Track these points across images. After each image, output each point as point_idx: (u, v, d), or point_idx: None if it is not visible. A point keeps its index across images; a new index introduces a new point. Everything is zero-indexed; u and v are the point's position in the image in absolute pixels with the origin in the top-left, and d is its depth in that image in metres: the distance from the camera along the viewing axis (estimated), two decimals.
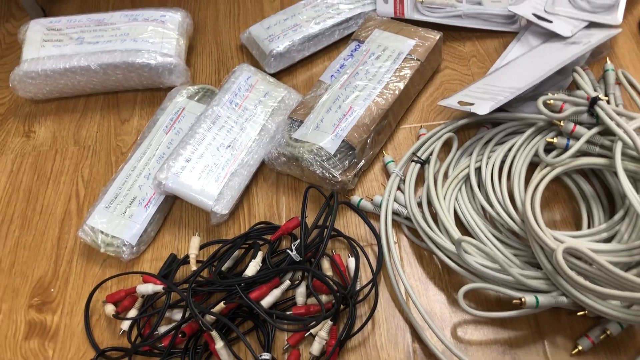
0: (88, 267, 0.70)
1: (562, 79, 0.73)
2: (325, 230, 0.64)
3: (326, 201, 0.66)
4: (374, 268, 0.64)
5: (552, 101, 0.64)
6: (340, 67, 0.77)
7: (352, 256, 0.65)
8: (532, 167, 0.66)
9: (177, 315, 0.64)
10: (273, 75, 0.82)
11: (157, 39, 0.82)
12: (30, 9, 0.94)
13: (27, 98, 0.86)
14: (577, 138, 0.63)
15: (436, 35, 0.78)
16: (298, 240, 0.64)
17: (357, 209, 0.69)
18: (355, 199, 0.70)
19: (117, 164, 0.79)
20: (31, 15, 0.94)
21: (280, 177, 0.75)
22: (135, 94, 0.86)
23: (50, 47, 0.82)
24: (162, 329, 0.62)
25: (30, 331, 0.66)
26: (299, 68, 0.85)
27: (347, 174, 0.69)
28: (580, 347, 0.57)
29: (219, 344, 0.58)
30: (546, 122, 0.67)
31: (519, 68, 0.73)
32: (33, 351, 0.64)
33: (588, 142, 0.63)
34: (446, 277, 0.64)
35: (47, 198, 0.77)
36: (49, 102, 0.87)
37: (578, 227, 0.65)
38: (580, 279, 0.54)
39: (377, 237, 0.66)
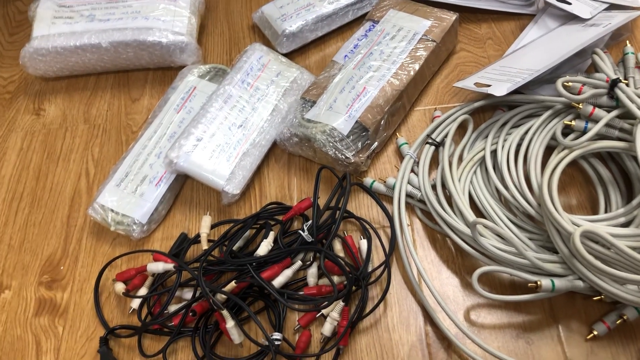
0: (98, 245, 0.70)
1: (580, 61, 0.71)
2: (338, 211, 0.63)
3: (339, 182, 0.65)
4: (387, 250, 0.63)
5: (570, 83, 0.63)
6: (354, 47, 0.76)
7: (364, 238, 0.64)
8: (549, 151, 0.65)
9: (188, 294, 0.63)
10: (285, 55, 0.81)
11: (169, 17, 0.81)
12: None
13: (38, 76, 0.85)
14: (596, 121, 0.62)
15: (452, 16, 0.76)
16: (310, 221, 0.63)
17: (370, 191, 0.68)
18: (368, 180, 0.69)
19: (127, 143, 0.78)
20: None
21: (292, 158, 0.74)
22: (146, 73, 0.85)
23: (61, 24, 0.81)
24: (173, 308, 0.61)
25: (40, 308, 0.66)
26: (311, 48, 0.84)
27: (360, 155, 0.68)
28: (595, 332, 0.57)
29: (230, 323, 0.58)
30: (564, 104, 0.66)
31: (537, 50, 0.71)
32: (43, 327, 0.64)
33: (607, 125, 0.62)
34: (459, 260, 0.63)
35: (56, 176, 0.76)
36: (59, 80, 0.86)
37: (595, 212, 0.64)
38: (598, 263, 0.53)
39: (390, 219, 0.66)
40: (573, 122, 0.63)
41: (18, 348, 0.63)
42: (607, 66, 0.65)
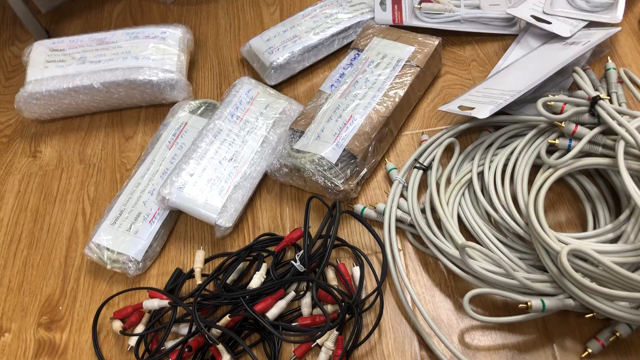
0: (95, 284, 0.70)
1: (562, 79, 0.72)
2: (329, 239, 0.64)
3: (329, 211, 0.66)
4: (379, 276, 0.64)
5: (552, 102, 0.64)
6: (340, 77, 0.77)
7: (356, 265, 0.65)
8: (535, 169, 0.65)
9: (184, 329, 0.64)
10: (274, 87, 0.83)
11: (159, 55, 0.83)
12: (34, 31, 0.96)
13: (33, 119, 0.87)
14: (579, 139, 0.62)
15: (435, 41, 0.78)
16: (302, 251, 0.64)
17: (361, 218, 0.69)
18: (358, 207, 0.70)
19: (122, 180, 0.79)
20: (35, 37, 0.95)
21: (284, 188, 0.75)
22: (139, 111, 0.87)
23: (54, 68, 0.83)
24: (170, 344, 0.62)
25: (40, 350, 0.66)
26: (299, 79, 0.86)
27: (350, 182, 0.69)
28: (589, 350, 0.57)
29: (226, 358, 0.58)
30: (548, 123, 0.66)
31: (519, 70, 0.72)
32: None
33: (590, 142, 0.62)
34: (452, 283, 0.64)
35: (54, 217, 0.77)
36: (54, 121, 0.88)
37: (584, 228, 0.65)
38: (586, 281, 0.53)
39: (382, 245, 0.66)
40: (557, 141, 0.64)
41: None
42: (587, 84, 0.66)
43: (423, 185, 0.70)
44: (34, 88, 0.81)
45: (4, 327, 0.69)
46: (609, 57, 0.72)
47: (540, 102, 0.63)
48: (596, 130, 0.62)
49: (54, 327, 0.68)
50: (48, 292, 0.71)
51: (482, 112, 0.66)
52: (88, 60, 0.83)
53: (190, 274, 0.67)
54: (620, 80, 0.71)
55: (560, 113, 0.64)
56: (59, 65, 0.83)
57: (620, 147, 0.59)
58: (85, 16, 1.02)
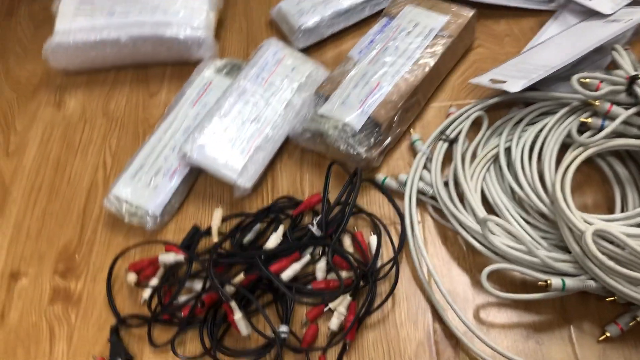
0: (112, 236, 0.71)
1: (600, 57, 0.70)
2: (347, 206, 0.63)
3: (350, 178, 0.65)
4: (396, 246, 0.63)
5: (588, 80, 0.62)
6: (370, 43, 0.76)
7: (374, 234, 0.64)
8: (564, 149, 0.63)
9: (198, 285, 0.64)
10: (302, 50, 0.81)
11: (187, 12, 0.82)
12: None
13: (59, 69, 0.87)
14: (613, 118, 0.60)
15: (470, 12, 0.75)
16: (320, 216, 0.63)
17: (381, 187, 0.68)
18: (379, 177, 0.69)
19: (144, 136, 0.79)
20: None
21: (305, 153, 0.74)
22: (164, 68, 0.86)
23: (82, 19, 0.82)
24: (183, 299, 0.62)
25: (55, 296, 0.67)
26: (328, 44, 0.84)
27: (372, 151, 0.68)
28: (608, 334, 0.55)
29: (238, 315, 0.58)
30: (581, 102, 0.64)
31: (555, 46, 0.70)
32: (57, 315, 0.66)
33: (625, 122, 0.60)
34: (470, 258, 0.63)
35: (75, 168, 0.77)
36: (80, 74, 0.88)
37: (611, 211, 0.63)
38: (611, 263, 0.52)
39: (401, 215, 0.65)
40: (589, 120, 0.62)
41: (32, 335, 0.65)
42: (627, 62, 0.64)
43: (447, 158, 0.69)
44: (61, 38, 0.81)
45: (22, 272, 0.69)
46: None
47: (575, 77, 0.61)
48: (632, 110, 0.59)
49: (70, 276, 0.68)
50: (65, 241, 0.71)
51: (514, 86, 0.64)
52: (117, 12, 0.82)
53: (207, 232, 0.67)
54: None
55: (596, 91, 0.62)
56: (88, 17, 0.82)
57: None
58: None
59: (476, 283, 0.61)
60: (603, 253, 0.53)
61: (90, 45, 0.81)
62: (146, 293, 0.64)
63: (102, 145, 0.79)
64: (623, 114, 0.59)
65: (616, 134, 0.61)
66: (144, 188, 0.70)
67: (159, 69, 0.86)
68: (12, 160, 0.80)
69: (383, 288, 0.62)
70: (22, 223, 0.73)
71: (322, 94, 0.72)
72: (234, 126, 0.71)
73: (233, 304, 0.58)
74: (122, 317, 0.63)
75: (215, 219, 0.67)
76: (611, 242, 0.54)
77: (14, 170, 0.79)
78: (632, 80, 0.60)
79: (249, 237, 0.65)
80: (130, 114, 0.82)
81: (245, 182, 0.68)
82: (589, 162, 0.65)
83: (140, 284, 0.64)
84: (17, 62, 0.92)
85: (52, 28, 0.84)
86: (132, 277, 0.65)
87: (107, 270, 0.67)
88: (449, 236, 0.65)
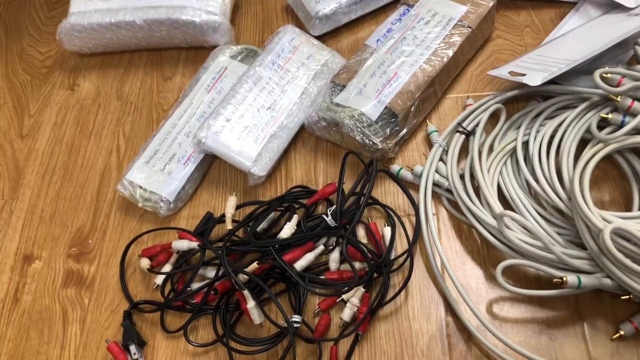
0: (125, 221, 0.71)
1: (622, 52, 0.69)
2: (362, 197, 0.63)
3: (365, 168, 0.65)
4: (410, 238, 0.63)
5: (609, 75, 0.61)
6: (387, 32, 0.75)
7: (388, 225, 0.64)
8: (583, 145, 0.63)
9: (211, 273, 0.64)
10: (318, 38, 0.80)
11: None
12: None
13: (73, 51, 0.86)
14: (635, 115, 0.59)
15: (489, 2, 0.74)
16: (334, 206, 0.63)
17: (396, 178, 0.68)
18: (395, 167, 0.68)
19: (158, 120, 0.79)
20: None
21: (320, 142, 0.73)
22: (179, 52, 0.86)
23: (97, 1, 0.82)
24: (195, 286, 0.62)
25: (68, 279, 0.67)
26: (344, 32, 0.83)
27: (388, 142, 0.67)
28: (622, 332, 0.55)
29: (251, 304, 0.58)
30: (601, 97, 0.63)
31: (576, 39, 0.69)
32: (70, 298, 0.66)
33: None
34: (485, 252, 0.62)
35: (88, 151, 0.77)
36: (94, 56, 0.87)
37: (628, 209, 0.62)
38: (628, 261, 0.52)
39: (416, 207, 0.65)
40: (610, 115, 0.61)
41: (46, 317, 0.65)
42: None
43: (463, 151, 0.68)
44: (76, 20, 0.81)
45: (35, 255, 0.70)
46: None
47: (597, 72, 0.60)
48: None
49: (83, 259, 0.69)
50: (79, 225, 0.71)
51: (534, 80, 0.63)
52: None
53: (221, 219, 0.67)
54: None
55: (617, 87, 0.61)
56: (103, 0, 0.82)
57: None
58: None
59: (490, 277, 0.61)
60: (620, 251, 0.53)
61: (105, 27, 0.80)
62: (159, 279, 0.64)
63: (116, 129, 0.79)
64: None
65: (636, 131, 0.60)
66: (158, 173, 0.70)
67: (173, 52, 0.86)
68: (25, 143, 0.80)
69: (396, 280, 0.62)
70: (35, 206, 0.73)
71: (339, 83, 0.71)
72: (249, 113, 0.70)
73: (246, 292, 0.58)
74: (135, 302, 0.63)
75: (229, 206, 0.66)
76: (628, 240, 0.53)
77: (28, 152, 0.79)
78: None
79: (262, 226, 0.65)
80: (144, 97, 0.82)
81: (260, 170, 0.68)
82: (606, 158, 0.64)
83: (153, 269, 0.64)
84: (31, 44, 0.91)
85: (66, 10, 0.84)
86: (145, 263, 0.65)
87: (120, 255, 0.67)
88: (464, 229, 0.64)
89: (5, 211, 0.74)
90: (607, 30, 0.67)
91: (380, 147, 0.66)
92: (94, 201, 0.73)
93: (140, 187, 0.69)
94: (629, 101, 0.60)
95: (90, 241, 0.70)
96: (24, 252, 0.70)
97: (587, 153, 0.59)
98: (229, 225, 0.65)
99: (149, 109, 0.80)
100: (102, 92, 0.83)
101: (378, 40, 0.74)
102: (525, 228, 0.58)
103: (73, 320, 0.64)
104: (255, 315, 0.58)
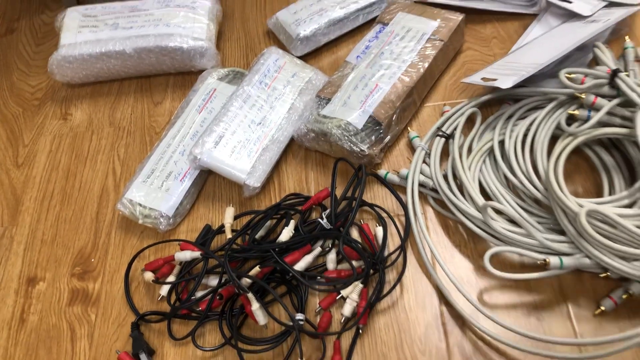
0: (126, 238, 0.73)
1: (582, 55, 0.75)
2: (354, 200, 0.67)
3: (355, 173, 0.69)
4: (402, 235, 0.67)
5: (573, 75, 0.67)
6: (366, 48, 0.80)
7: (380, 225, 0.68)
8: (554, 140, 0.68)
9: (213, 282, 0.66)
10: (300, 58, 0.85)
11: (189, 23, 0.85)
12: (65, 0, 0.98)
13: (64, 82, 0.90)
14: (598, 109, 0.65)
15: (458, 17, 0.80)
16: (328, 210, 0.67)
17: (384, 181, 0.72)
18: (382, 172, 0.72)
19: (151, 143, 0.82)
20: (66, 5, 0.97)
21: (309, 153, 0.77)
22: (167, 78, 0.89)
23: (87, 33, 0.85)
24: (199, 294, 0.65)
25: (74, 298, 0.69)
26: (324, 51, 0.88)
27: (374, 148, 0.72)
28: (603, 308, 0.59)
29: (255, 305, 0.61)
30: (567, 96, 0.69)
31: (540, 46, 0.75)
32: (77, 316, 0.68)
33: (609, 113, 0.65)
34: (472, 244, 0.67)
35: (85, 175, 0.80)
36: (84, 86, 0.90)
37: (600, 196, 0.67)
38: (604, 240, 0.56)
39: (404, 207, 0.69)
40: (577, 112, 0.66)
41: (54, 335, 0.67)
42: (608, 58, 0.69)
43: (445, 153, 0.73)
44: (67, 51, 0.84)
45: (39, 276, 0.71)
46: (626, 37, 0.75)
47: (562, 72, 0.66)
48: (615, 101, 0.64)
49: (87, 277, 0.71)
50: (80, 245, 0.74)
51: (505, 83, 0.69)
52: (120, 26, 0.85)
53: (220, 230, 0.70)
54: (638, 60, 0.74)
55: (581, 85, 0.66)
56: (92, 31, 0.85)
57: (638, 117, 0.62)
58: None
59: (478, 268, 0.65)
60: (596, 232, 0.57)
61: (95, 57, 0.84)
62: (163, 290, 0.67)
63: (111, 153, 0.82)
64: (607, 105, 0.64)
65: (601, 124, 0.65)
66: (156, 191, 0.73)
67: (162, 78, 0.89)
68: (22, 171, 0.82)
69: (391, 276, 0.65)
70: (36, 230, 0.76)
71: (324, 97, 0.76)
72: (240, 129, 0.74)
73: (250, 295, 0.61)
74: (142, 314, 0.66)
75: (227, 217, 0.70)
76: (602, 222, 0.58)
77: (25, 180, 0.81)
78: (613, 73, 0.65)
79: (260, 233, 0.68)
80: (137, 122, 0.85)
81: (254, 181, 0.71)
82: (577, 152, 0.69)
83: (157, 281, 0.67)
84: (20, 78, 0.94)
85: (53, 42, 0.88)
86: (149, 275, 0.67)
87: (123, 271, 0.70)
88: (450, 225, 0.68)
89: (5, 237, 0.76)
90: (567, 37, 0.74)
91: (367, 153, 0.70)
92: (94, 222, 0.75)
93: (140, 205, 0.72)
94: (592, 97, 0.65)
95: (93, 260, 0.72)
96: (27, 275, 0.72)
97: (559, 146, 0.64)
98: (229, 234, 0.68)
99: (142, 132, 0.84)
100: (94, 119, 0.86)
101: (358, 56, 0.79)
102: (508, 215, 0.62)
103: (81, 336, 0.66)
104: (260, 317, 0.61)
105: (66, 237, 0.74)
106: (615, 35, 0.79)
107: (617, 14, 0.73)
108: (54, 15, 0.94)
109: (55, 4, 1.05)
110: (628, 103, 0.64)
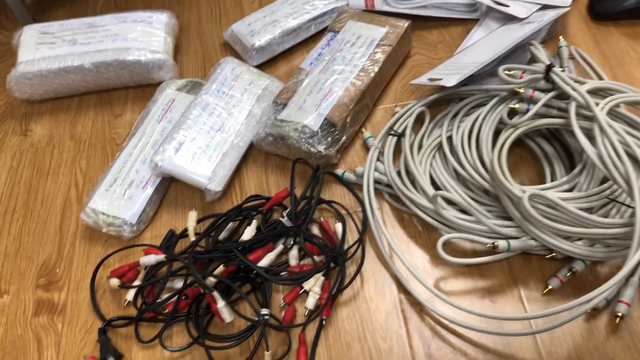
0: (91, 247, 0.74)
1: (520, 54, 0.80)
2: (313, 198, 0.70)
3: (313, 172, 0.72)
4: (360, 230, 0.70)
5: (512, 71, 0.71)
6: (319, 55, 0.83)
7: (339, 221, 0.70)
8: (497, 134, 0.72)
9: (178, 284, 0.68)
10: (256, 67, 0.88)
11: (146, 37, 0.87)
12: (21, 18, 0.99)
13: (23, 99, 0.90)
14: (536, 102, 0.69)
15: (405, 23, 0.84)
16: (289, 208, 0.69)
17: (342, 179, 0.75)
18: (339, 171, 0.75)
19: (112, 154, 0.83)
20: (23, 24, 0.98)
21: (269, 157, 0.80)
22: (127, 91, 0.91)
23: (45, 49, 0.86)
24: (164, 297, 0.66)
25: (39, 308, 0.70)
26: (280, 60, 0.92)
27: (331, 149, 0.75)
28: (550, 287, 0.63)
29: (220, 303, 0.62)
30: (508, 92, 0.73)
31: (482, 47, 0.80)
32: (43, 326, 0.68)
33: (546, 105, 0.69)
34: (426, 235, 0.70)
35: (47, 189, 0.81)
36: (44, 102, 0.91)
37: (543, 184, 0.72)
38: (547, 221, 0.60)
39: (361, 202, 0.72)
40: (517, 105, 0.71)
41: (20, 346, 0.67)
42: (543, 55, 0.74)
43: (397, 151, 0.76)
44: (25, 68, 0.85)
45: (3, 290, 0.72)
46: (561, 37, 0.80)
47: (501, 68, 0.70)
48: (551, 94, 0.69)
49: (52, 288, 0.71)
50: (45, 257, 0.74)
51: (450, 81, 0.73)
52: (78, 42, 0.87)
53: (183, 234, 0.72)
54: (572, 57, 0.79)
55: (519, 80, 0.71)
56: (50, 47, 0.87)
57: (572, 107, 0.66)
58: (69, 6, 1.06)
59: (433, 257, 0.68)
60: (539, 214, 0.61)
61: (54, 72, 0.85)
62: (129, 295, 0.68)
63: (73, 166, 0.83)
64: (544, 97, 0.69)
65: (540, 116, 0.70)
66: (119, 199, 0.74)
67: (121, 92, 0.91)
68: None
69: (351, 269, 0.68)
70: None
71: (280, 102, 0.79)
72: (200, 136, 0.76)
73: (215, 293, 0.62)
74: (109, 319, 0.66)
75: (190, 220, 0.71)
76: (546, 206, 0.62)
77: None
78: (548, 68, 0.69)
79: (223, 235, 0.70)
80: (97, 135, 0.86)
81: (216, 185, 0.73)
82: (520, 144, 0.74)
83: (123, 285, 0.68)
84: None
85: (11, 62, 0.88)
86: (115, 282, 0.68)
87: (88, 280, 0.70)
88: (405, 218, 0.72)
89: None
90: (506, 37, 0.79)
91: (324, 153, 0.73)
92: (58, 233, 0.76)
93: (103, 213, 0.73)
94: (530, 91, 0.70)
95: (57, 270, 0.73)
96: None
97: (502, 137, 0.69)
98: (192, 237, 0.70)
99: (103, 144, 0.85)
100: (55, 134, 0.87)
101: (311, 63, 0.83)
102: (457, 203, 0.66)
103: (48, 345, 0.67)
104: (226, 314, 0.63)
105: (30, 249, 0.75)
106: (550, 35, 0.85)
107: (549, 15, 0.79)
108: (10, 35, 0.94)
109: (11, 23, 1.05)
110: (563, 95, 0.69)
